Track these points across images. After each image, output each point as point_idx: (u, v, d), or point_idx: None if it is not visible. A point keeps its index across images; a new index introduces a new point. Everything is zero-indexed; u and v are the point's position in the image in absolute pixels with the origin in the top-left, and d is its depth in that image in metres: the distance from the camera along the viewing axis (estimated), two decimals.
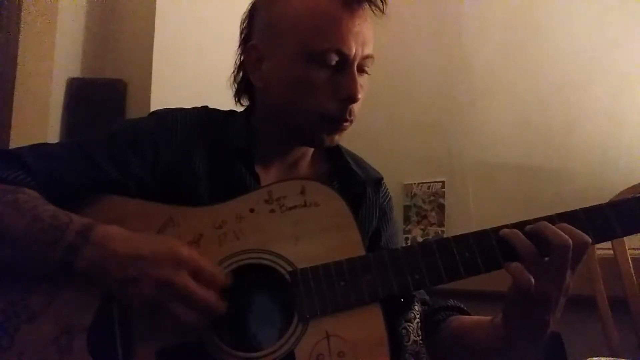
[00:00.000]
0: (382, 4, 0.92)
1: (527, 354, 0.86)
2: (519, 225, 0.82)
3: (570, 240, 0.77)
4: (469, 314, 1.02)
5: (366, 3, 0.91)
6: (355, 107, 0.93)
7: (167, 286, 0.74)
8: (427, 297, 1.04)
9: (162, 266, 0.75)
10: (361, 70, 0.93)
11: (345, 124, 0.94)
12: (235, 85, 1.05)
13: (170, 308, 0.74)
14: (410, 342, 0.95)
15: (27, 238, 0.78)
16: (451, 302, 1.03)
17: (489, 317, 0.91)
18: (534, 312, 0.80)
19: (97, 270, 0.77)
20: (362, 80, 0.93)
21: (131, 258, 0.76)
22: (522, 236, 0.79)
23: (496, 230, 0.83)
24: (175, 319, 0.75)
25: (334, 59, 0.90)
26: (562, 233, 0.77)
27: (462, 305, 1.03)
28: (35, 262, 0.79)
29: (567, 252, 0.76)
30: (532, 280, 0.76)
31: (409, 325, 0.96)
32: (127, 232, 0.79)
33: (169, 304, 0.74)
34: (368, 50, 0.92)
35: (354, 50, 0.90)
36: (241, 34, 1.02)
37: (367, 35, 0.92)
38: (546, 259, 0.78)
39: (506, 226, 0.83)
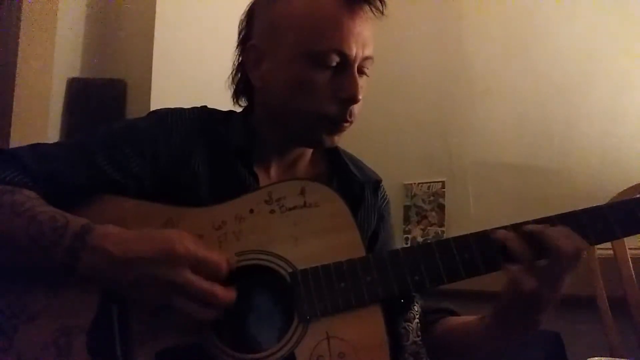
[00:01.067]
0: (382, 5, 0.92)
1: (511, 346, 0.88)
2: (518, 226, 0.82)
3: (566, 246, 0.77)
4: (458, 315, 1.03)
5: (366, 4, 0.91)
6: (356, 108, 0.93)
7: (169, 285, 0.74)
8: (421, 301, 1.04)
9: (161, 266, 0.75)
10: (361, 71, 0.93)
11: (345, 124, 0.94)
12: (234, 85, 1.05)
13: (178, 306, 0.75)
14: (410, 342, 0.95)
15: (25, 240, 0.78)
16: (443, 304, 1.04)
17: (477, 317, 0.92)
18: (527, 312, 0.81)
19: (97, 274, 0.77)
20: (361, 81, 0.93)
21: (128, 261, 0.76)
22: (518, 239, 0.79)
23: (496, 231, 0.83)
24: (186, 316, 0.75)
25: (335, 59, 0.89)
26: (559, 237, 0.77)
27: (452, 308, 1.04)
28: (33, 263, 0.79)
29: (563, 257, 0.77)
30: (527, 282, 0.77)
31: (408, 325, 0.96)
32: (123, 232, 0.79)
33: (176, 302, 0.75)
34: (368, 52, 0.92)
35: (354, 51, 0.90)
36: (240, 34, 1.02)
37: (367, 37, 0.92)
38: (542, 261, 0.78)
39: (505, 227, 0.83)
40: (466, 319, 0.98)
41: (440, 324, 1.00)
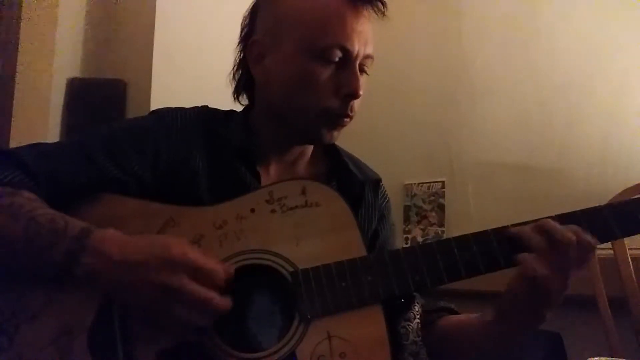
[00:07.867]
0: (383, 7, 0.94)
1: (514, 346, 0.89)
2: (525, 224, 0.82)
3: (574, 237, 0.78)
4: (458, 314, 1.03)
5: (369, 5, 0.93)
6: (356, 103, 0.95)
7: (166, 290, 0.74)
8: (422, 300, 1.04)
9: (159, 270, 0.74)
10: (361, 69, 0.95)
11: (345, 119, 0.95)
12: (235, 82, 1.05)
13: (172, 311, 0.74)
14: (410, 341, 0.95)
15: (23, 242, 0.77)
16: (441, 303, 1.03)
17: (477, 314, 0.92)
18: (534, 306, 0.81)
19: (95, 277, 0.76)
20: (361, 79, 0.94)
21: (127, 264, 0.75)
22: (531, 230, 0.80)
23: (496, 231, 0.84)
24: (179, 321, 0.75)
25: (338, 55, 0.91)
26: (567, 230, 0.79)
27: (452, 306, 1.04)
28: (31, 265, 0.79)
29: (569, 248, 0.78)
30: (540, 269, 0.77)
31: (408, 325, 0.97)
32: (123, 236, 0.79)
33: (171, 308, 0.74)
34: (369, 50, 0.94)
35: (356, 48, 0.91)
36: (242, 31, 1.02)
37: (368, 35, 0.94)
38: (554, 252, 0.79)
39: (505, 227, 0.83)
40: (466, 317, 0.97)
41: (439, 323, 1.00)
